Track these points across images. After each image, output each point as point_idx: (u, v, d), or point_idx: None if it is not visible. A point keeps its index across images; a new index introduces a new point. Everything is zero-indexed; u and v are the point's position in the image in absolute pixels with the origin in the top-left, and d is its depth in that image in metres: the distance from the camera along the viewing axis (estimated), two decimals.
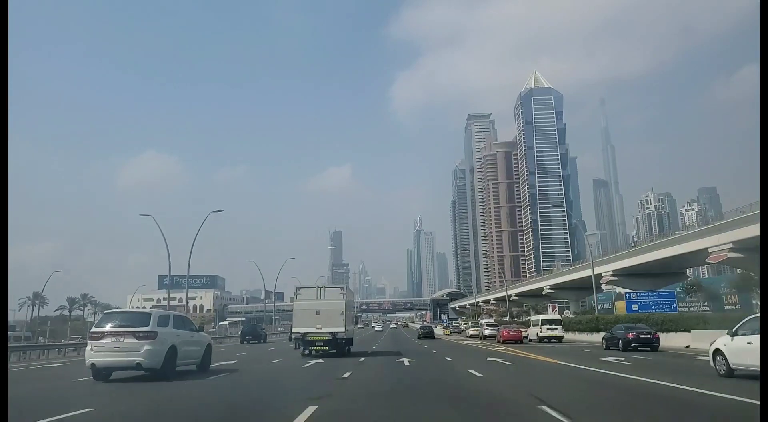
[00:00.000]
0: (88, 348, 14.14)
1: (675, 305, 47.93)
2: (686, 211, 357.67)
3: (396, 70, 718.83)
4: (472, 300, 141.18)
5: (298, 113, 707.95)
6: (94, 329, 14.66)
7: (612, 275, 68.57)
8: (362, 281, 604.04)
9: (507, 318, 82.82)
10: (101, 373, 14.02)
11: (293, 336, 24.97)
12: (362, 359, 22.49)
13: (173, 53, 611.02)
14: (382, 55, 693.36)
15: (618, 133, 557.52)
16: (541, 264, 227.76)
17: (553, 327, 40.90)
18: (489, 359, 22.69)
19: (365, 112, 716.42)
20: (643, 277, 65.40)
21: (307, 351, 23.21)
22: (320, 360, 21.12)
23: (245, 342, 50.98)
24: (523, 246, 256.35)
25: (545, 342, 39.47)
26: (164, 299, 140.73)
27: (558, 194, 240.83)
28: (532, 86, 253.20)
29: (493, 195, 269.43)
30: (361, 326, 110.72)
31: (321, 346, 22.98)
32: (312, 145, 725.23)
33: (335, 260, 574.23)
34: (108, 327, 14.17)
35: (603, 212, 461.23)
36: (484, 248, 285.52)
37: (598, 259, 69.94)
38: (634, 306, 46.80)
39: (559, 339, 40.36)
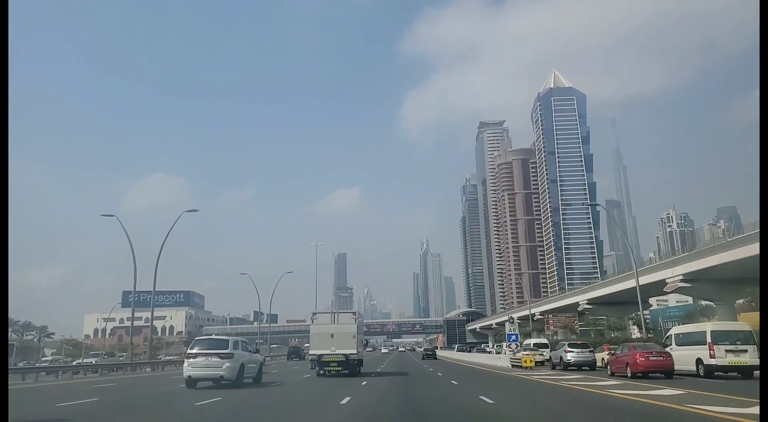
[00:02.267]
0: (185, 364, 19.72)
1: None
2: (710, 226, 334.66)
3: (407, 89, 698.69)
4: (499, 319, 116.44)
5: (308, 133, 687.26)
6: (189, 351, 20.25)
7: (682, 280, 50.70)
8: (367, 306, 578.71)
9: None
10: (193, 383, 19.37)
11: (310, 357, 27.95)
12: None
13: (181, 74, 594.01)
14: (393, 72, 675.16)
15: (632, 153, 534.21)
16: (566, 281, 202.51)
17: (737, 345, 21.82)
18: None
19: (376, 131, 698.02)
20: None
21: (322, 372, 25.75)
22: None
23: (290, 360, 61.39)
24: (544, 263, 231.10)
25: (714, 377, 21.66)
26: (127, 319, 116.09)
27: (583, 204, 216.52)
28: (552, 86, 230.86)
29: (510, 207, 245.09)
30: (370, 349, 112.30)
31: (335, 367, 25.36)
32: (321, 166, 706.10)
33: (339, 283, 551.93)
34: (198, 350, 19.87)
35: (616, 234, 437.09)
36: (500, 266, 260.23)
37: (656, 264, 58.42)
38: None
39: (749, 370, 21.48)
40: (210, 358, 19.13)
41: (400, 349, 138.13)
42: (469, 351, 74.12)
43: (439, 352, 78.07)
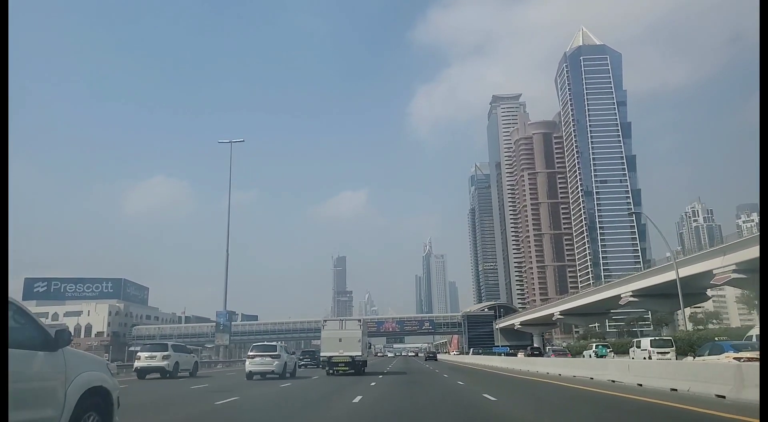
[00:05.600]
0: (247, 362, 27.42)
1: None
2: (743, 222, 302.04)
3: (418, 84, 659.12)
4: (559, 307, 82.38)
5: (315, 132, 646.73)
6: (249, 353, 27.89)
7: (735, 270, 42.87)
8: (368, 312, 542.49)
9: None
10: (252, 376, 26.47)
11: (321, 359, 30.96)
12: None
13: (183, 75, 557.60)
14: (404, 66, 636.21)
15: (645, 151, 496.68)
16: (602, 274, 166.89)
17: None
18: None
19: (387, 130, 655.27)
20: None
21: (331, 371, 28.40)
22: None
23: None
24: (573, 253, 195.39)
25: None
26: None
27: (621, 181, 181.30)
28: (581, 44, 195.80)
29: (530, 190, 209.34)
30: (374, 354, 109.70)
31: (342, 367, 28.29)
32: (327, 167, 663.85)
33: (338, 287, 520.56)
34: (256, 352, 27.56)
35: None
36: (517, 259, 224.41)
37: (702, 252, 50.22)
38: None
39: None
40: (264, 358, 26.81)
41: (409, 354, 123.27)
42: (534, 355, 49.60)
43: (464, 359, 65.30)
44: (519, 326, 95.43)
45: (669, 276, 48.42)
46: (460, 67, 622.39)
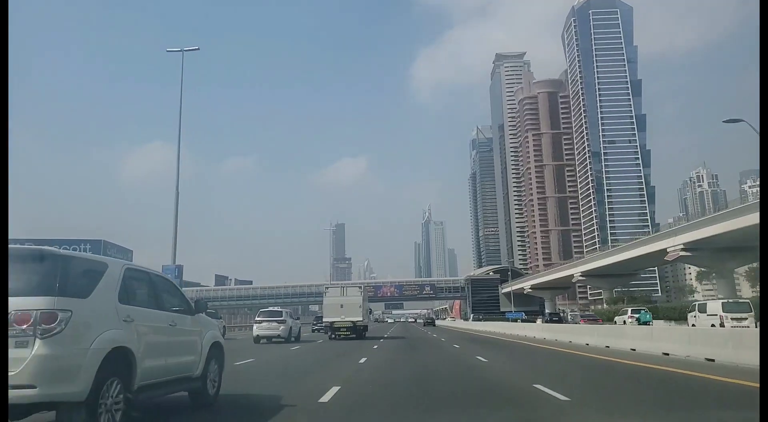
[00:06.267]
0: (255, 327, 28.36)
1: None
2: (749, 187, 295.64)
3: (420, 46, 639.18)
4: (570, 271, 75.41)
5: (315, 97, 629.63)
6: (257, 318, 28.75)
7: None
8: (368, 278, 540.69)
9: None
10: (259, 340, 27.34)
11: (323, 324, 32.72)
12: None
13: (181, 38, 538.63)
14: (405, 28, 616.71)
15: (650, 117, 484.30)
16: (609, 239, 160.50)
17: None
18: None
19: (388, 95, 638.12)
20: None
21: (333, 336, 29.31)
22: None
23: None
24: (578, 217, 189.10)
25: None
26: None
27: (630, 141, 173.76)
28: None
29: (534, 151, 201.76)
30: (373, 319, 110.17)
31: (344, 332, 29.01)
32: (327, 134, 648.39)
33: (337, 254, 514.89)
34: (263, 317, 28.41)
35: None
36: (520, 223, 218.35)
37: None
38: None
39: None
40: (271, 323, 27.73)
41: (401, 320, 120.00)
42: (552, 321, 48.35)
43: (468, 325, 59.34)
44: (529, 290, 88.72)
45: (744, 221, 40.04)
46: (462, 29, 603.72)
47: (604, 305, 73.93)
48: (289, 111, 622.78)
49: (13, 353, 4.41)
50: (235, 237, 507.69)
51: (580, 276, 73.73)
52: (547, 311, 64.45)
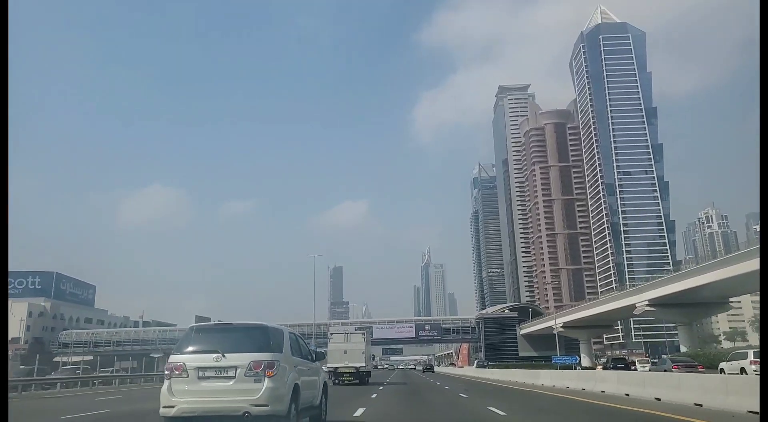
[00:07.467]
0: None
1: None
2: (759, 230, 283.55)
3: (422, 90, 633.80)
4: (631, 299, 58.57)
5: (317, 142, 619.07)
6: None
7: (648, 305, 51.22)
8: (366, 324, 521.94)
9: None
10: None
11: (327, 369, 30.29)
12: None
13: (181, 77, 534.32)
14: (407, 71, 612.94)
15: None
16: (627, 277, 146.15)
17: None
18: None
19: (387, 139, 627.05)
20: None
21: (337, 381, 29.25)
22: None
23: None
24: (590, 255, 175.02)
25: None
26: None
27: (647, 172, 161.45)
28: (599, 22, 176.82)
29: (542, 185, 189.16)
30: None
31: (348, 377, 29.58)
32: (328, 177, 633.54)
33: (334, 298, 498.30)
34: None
35: None
36: (527, 262, 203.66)
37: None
38: None
39: None
40: None
41: (401, 366, 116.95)
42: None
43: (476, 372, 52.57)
44: (561, 329, 70.60)
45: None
46: (465, 72, 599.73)
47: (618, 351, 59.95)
48: (291, 152, 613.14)
49: (252, 385, 7.48)
50: (235, 279, 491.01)
51: (648, 306, 55.06)
52: (612, 357, 49.55)
